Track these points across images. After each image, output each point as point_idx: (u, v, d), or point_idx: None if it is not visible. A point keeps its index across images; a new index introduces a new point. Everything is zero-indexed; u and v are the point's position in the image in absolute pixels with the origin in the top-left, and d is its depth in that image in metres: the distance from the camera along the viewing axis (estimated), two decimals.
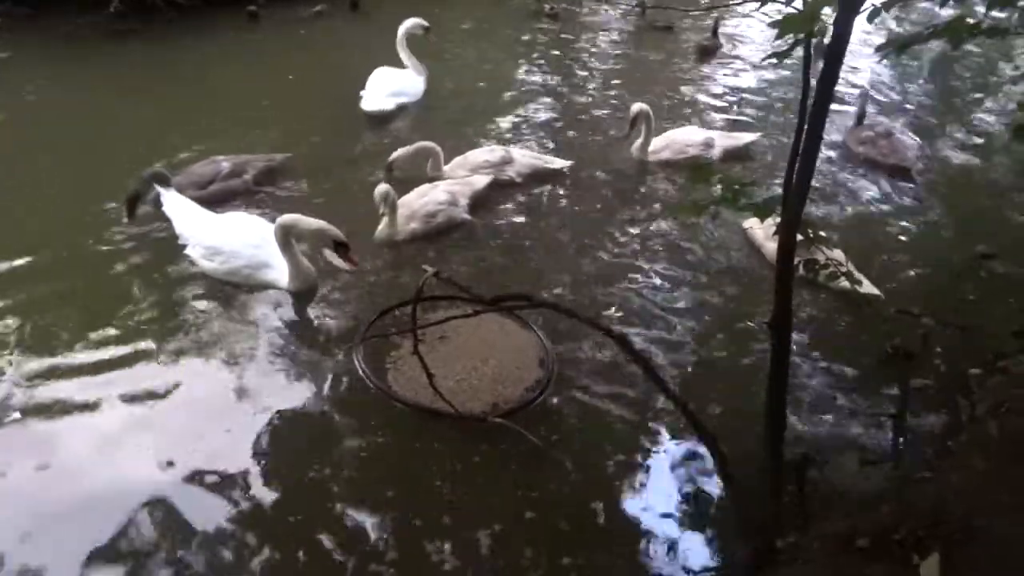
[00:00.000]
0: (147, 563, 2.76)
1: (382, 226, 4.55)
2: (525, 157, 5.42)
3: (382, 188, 4.49)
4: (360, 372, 3.59)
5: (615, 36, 8.70)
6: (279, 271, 4.17)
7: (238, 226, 4.33)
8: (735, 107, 6.81)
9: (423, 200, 4.73)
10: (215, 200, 4.79)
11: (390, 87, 6.42)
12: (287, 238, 4.06)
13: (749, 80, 7.51)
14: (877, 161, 5.70)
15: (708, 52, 7.97)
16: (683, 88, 7.19)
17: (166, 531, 2.87)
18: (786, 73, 7.44)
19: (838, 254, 3.91)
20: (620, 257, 4.60)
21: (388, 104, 6.37)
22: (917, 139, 5.97)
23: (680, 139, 5.59)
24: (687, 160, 5.48)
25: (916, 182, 5.59)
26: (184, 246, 4.37)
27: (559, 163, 5.49)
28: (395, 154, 5.07)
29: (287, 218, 4.07)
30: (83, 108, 6.21)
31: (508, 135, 6.14)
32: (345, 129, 6.05)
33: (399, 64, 6.61)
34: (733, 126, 6.37)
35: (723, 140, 5.72)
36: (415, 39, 6.64)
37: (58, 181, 5.14)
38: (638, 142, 5.51)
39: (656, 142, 5.57)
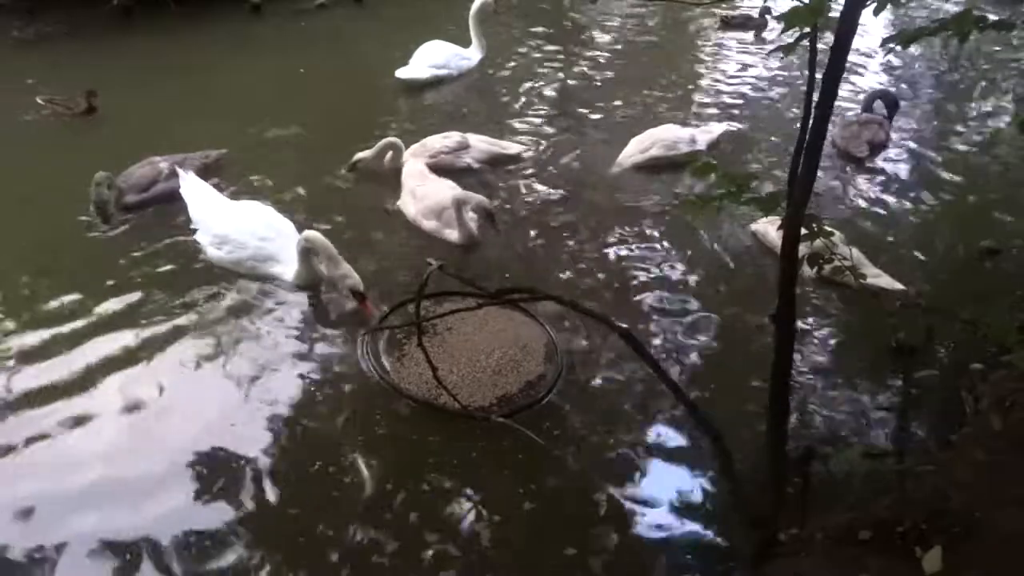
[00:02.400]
0: (147, 553, 2.78)
1: (460, 232, 4.50)
2: (482, 143, 5.48)
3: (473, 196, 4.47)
4: (370, 365, 3.59)
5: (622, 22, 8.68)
6: (284, 265, 4.15)
7: (249, 216, 4.30)
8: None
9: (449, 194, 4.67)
10: (159, 201, 4.76)
11: (432, 59, 6.82)
12: (308, 252, 4.02)
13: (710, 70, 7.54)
14: (836, 143, 5.77)
15: (759, 27, 8.44)
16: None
17: (166, 522, 2.89)
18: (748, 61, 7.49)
19: (853, 251, 3.90)
20: (623, 252, 4.59)
21: (423, 74, 6.82)
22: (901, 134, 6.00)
23: (667, 136, 5.53)
24: (679, 157, 5.46)
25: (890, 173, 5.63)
26: (195, 231, 4.37)
27: (515, 148, 5.62)
28: (359, 155, 5.17)
29: (316, 240, 3.96)
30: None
31: (512, 123, 6.16)
32: (342, 123, 6.04)
33: (464, 43, 7.04)
34: (700, 118, 6.40)
35: (702, 135, 5.71)
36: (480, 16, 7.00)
37: (60, 177, 5.12)
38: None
39: (641, 141, 5.52)
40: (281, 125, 5.93)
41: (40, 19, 7.61)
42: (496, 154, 5.51)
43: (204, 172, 5.03)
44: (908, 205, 5.25)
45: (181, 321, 3.90)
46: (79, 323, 3.86)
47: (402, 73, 6.76)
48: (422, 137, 5.49)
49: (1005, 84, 7.43)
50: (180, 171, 4.67)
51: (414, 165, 5.05)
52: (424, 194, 4.72)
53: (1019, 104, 6.93)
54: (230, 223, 4.24)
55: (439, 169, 5.19)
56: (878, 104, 6.13)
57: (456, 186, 4.79)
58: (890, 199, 5.31)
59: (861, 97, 6.54)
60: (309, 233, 4.02)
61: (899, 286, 4.10)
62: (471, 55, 7.08)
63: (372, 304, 3.89)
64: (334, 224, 4.70)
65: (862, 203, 5.24)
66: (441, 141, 5.38)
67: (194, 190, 4.54)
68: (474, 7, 6.99)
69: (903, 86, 7.26)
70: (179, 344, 3.76)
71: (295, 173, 5.28)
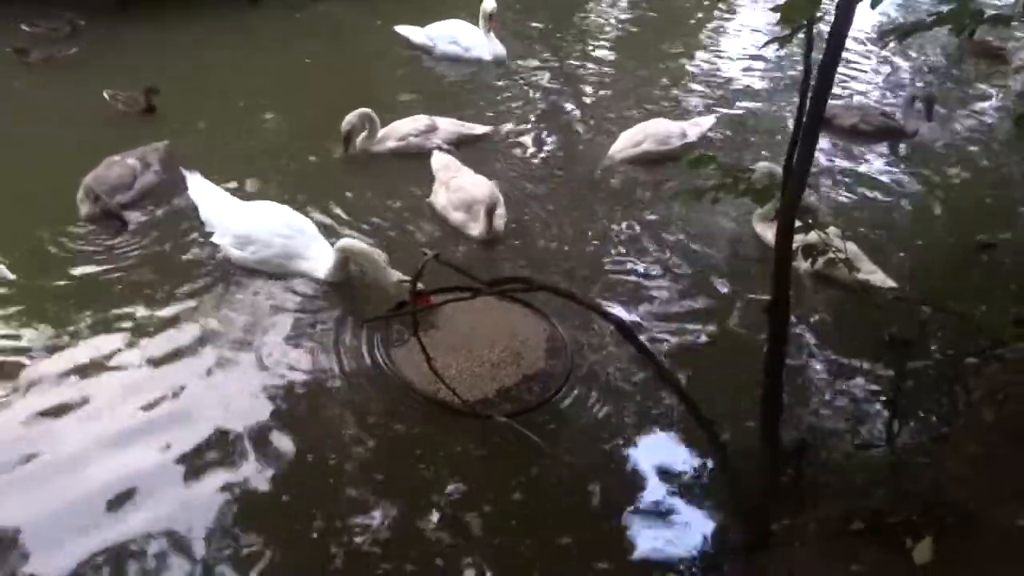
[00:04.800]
0: (147, 538, 2.80)
1: (483, 226, 4.47)
2: (450, 125, 5.57)
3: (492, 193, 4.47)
4: (379, 358, 3.58)
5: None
6: (313, 261, 4.09)
7: (268, 215, 4.23)
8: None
9: (483, 189, 4.69)
10: (144, 198, 4.66)
11: (431, 30, 7.02)
12: (346, 260, 3.98)
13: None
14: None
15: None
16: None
17: (166, 505, 2.91)
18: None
19: (851, 246, 3.92)
20: (616, 246, 4.60)
21: (417, 37, 7.06)
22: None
23: (658, 131, 5.52)
24: (670, 152, 5.46)
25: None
26: (210, 233, 4.29)
27: (481, 129, 5.70)
28: (345, 124, 5.16)
29: (355, 249, 3.91)
30: (81, 95, 6.15)
31: (506, 114, 6.17)
32: (342, 115, 6.03)
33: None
34: (693, 110, 6.40)
35: (692, 128, 5.70)
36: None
37: (59, 177, 5.05)
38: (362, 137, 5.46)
39: (632, 135, 5.51)
40: (279, 116, 5.91)
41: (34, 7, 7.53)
42: (464, 135, 5.60)
43: (166, 164, 4.92)
44: (904, 199, 5.27)
45: (191, 308, 3.89)
46: (83, 310, 3.84)
47: (400, 28, 7.14)
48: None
49: (1003, 80, 7.44)
50: (187, 174, 4.59)
51: (444, 157, 5.09)
52: (458, 186, 4.72)
53: (1017, 100, 6.94)
54: (251, 223, 4.15)
55: (408, 152, 5.32)
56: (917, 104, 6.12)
57: (488, 182, 4.79)
58: (887, 193, 5.33)
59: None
60: (345, 243, 3.97)
61: (892, 283, 4.09)
62: (474, 48, 7.00)
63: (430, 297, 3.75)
64: (338, 220, 4.68)
65: (859, 197, 5.25)
66: (410, 124, 5.46)
67: (203, 192, 4.46)
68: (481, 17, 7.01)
69: (899, 81, 7.27)
70: (188, 328, 3.77)
71: (294, 168, 5.26)
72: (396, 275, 3.82)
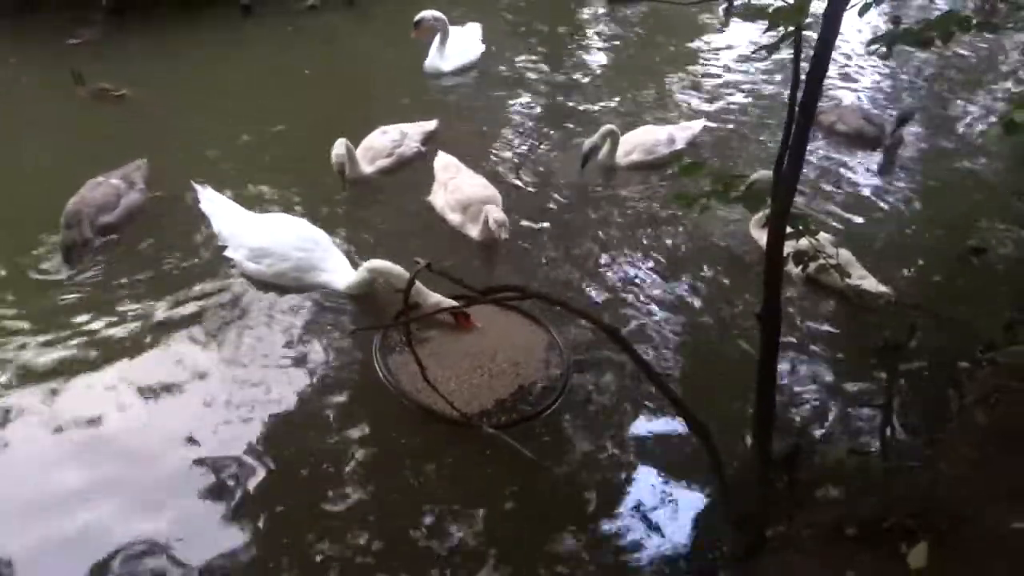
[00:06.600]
0: (141, 546, 2.80)
1: (481, 231, 4.50)
2: (412, 127, 5.64)
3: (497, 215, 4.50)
4: (378, 368, 3.57)
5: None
6: (331, 273, 4.08)
7: (283, 228, 4.21)
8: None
9: (480, 190, 4.73)
10: (131, 217, 4.64)
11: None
12: (374, 279, 3.98)
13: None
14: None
15: None
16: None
17: (160, 513, 2.92)
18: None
19: (843, 253, 3.93)
20: (610, 254, 4.60)
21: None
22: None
23: (645, 140, 5.55)
24: (658, 160, 5.49)
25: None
26: (224, 247, 4.27)
27: (432, 124, 5.81)
28: (335, 159, 4.91)
29: (390, 270, 3.88)
30: (76, 105, 6.16)
31: (498, 122, 6.20)
32: (338, 124, 6.02)
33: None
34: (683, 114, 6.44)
35: (680, 133, 5.71)
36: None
37: (54, 185, 5.04)
38: (604, 152, 5.45)
39: (621, 145, 5.50)
40: (279, 123, 5.91)
41: (29, 19, 7.55)
42: (425, 133, 5.68)
43: (148, 182, 4.90)
44: (896, 204, 5.29)
45: (193, 321, 3.90)
46: (99, 331, 3.84)
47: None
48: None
49: (993, 86, 7.49)
50: (198, 187, 4.56)
51: (445, 157, 5.11)
52: (456, 187, 4.75)
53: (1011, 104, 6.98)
54: (266, 236, 4.13)
55: (401, 163, 5.36)
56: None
57: (488, 184, 4.83)
58: (878, 198, 5.34)
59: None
60: (375, 264, 3.94)
61: (884, 289, 4.10)
62: (433, 59, 7.02)
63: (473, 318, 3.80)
64: (342, 227, 4.69)
65: (850, 202, 5.27)
66: (386, 138, 5.44)
67: (216, 205, 4.44)
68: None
69: (887, 89, 7.31)
70: (193, 326, 3.83)
71: (294, 173, 5.25)
72: (436, 296, 3.76)
